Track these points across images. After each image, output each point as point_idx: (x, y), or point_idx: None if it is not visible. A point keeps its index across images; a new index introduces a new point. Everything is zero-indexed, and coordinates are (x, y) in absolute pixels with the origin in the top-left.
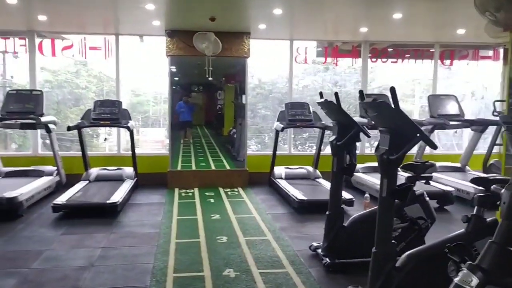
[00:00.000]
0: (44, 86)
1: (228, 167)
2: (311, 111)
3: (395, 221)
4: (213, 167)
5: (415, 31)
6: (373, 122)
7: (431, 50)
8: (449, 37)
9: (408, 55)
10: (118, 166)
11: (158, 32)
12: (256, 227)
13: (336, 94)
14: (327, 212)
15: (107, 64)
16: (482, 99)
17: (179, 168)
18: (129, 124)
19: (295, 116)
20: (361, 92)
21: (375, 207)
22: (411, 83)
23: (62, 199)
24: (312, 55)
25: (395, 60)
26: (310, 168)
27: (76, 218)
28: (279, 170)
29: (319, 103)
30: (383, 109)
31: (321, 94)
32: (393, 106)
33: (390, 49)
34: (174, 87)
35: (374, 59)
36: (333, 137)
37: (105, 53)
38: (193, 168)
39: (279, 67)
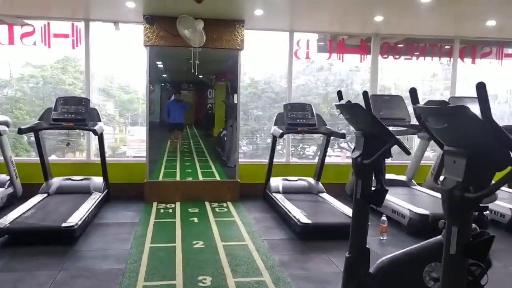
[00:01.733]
0: (29, 82)
1: (217, 177)
2: (314, 113)
3: None
4: (200, 177)
5: (433, 22)
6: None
7: (446, 46)
8: (471, 31)
9: (420, 52)
10: (86, 176)
11: (136, 18)
12: (249, 261)
13: (365, 93)
14: (347, 254)
15: (76, 54)
16: (505, 103)
17: (160, 178)
18: (96, 127)
19: (296, 119)
20: (339, 93)
21: (410, 248)
22: (427, 83)
23: (5, 220)
24: (313, 50)
25: (409, 56)
26: (312, 180)
27: (22, 246)
28: (276, 182)
29: (338, 106)
30: (356, 112)
31: (339, 94)
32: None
33: (400, 45)
34: (163, 84)
35: (385, 55)
36: (356, 152)
37: (74, 42)
38: (177, 178)
39: (274, 63)
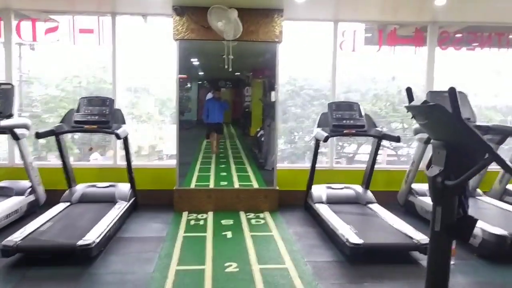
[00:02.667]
0: (72, 81)
1: (253, 183)
2: (363, 113)
3: None
4: (236, 184)
5: (504, 6)
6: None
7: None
8: None
9: (484, 42)
10: (113, 182)
11: (165, 9)
12: None
13: (452, 91)
14: None
15: (101, 51)
16: None
17: (192, 185)
18: (120, 130)
19: (342, 120)
20: (408, 90)
21: None
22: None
23: (17, 236)
24: (359, 42)
25: (471, 47)
26: (359, 188)
27: (33, 267)
28: (319, 191)
29: (410, 108)
30: (438, 116)
31: (409, 92)
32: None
33: (459, 34)
34: (200, 82)
35: (443, 46)
36: (435, 169)
37: (99, 37)
38: (211, 185)
39: (314, 58)
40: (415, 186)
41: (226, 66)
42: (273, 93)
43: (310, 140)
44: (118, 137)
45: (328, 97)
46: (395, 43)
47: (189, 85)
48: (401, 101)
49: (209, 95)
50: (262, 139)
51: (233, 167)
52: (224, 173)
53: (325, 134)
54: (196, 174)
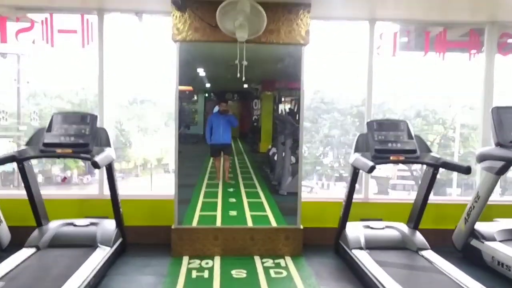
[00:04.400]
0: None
1: (268, 214)
2: (413, 135)
3: None
4: (249, 221)
5: None
6: None
7: None
8: None
9: None
10: (97, 217)
11: (162, 5)
12: None
13: None
14: None
15: (87, 54)
16: None
17: (194, 222)
18: (100, 157)
19: (387, 143)
20: None
21: None
22: None
23: None
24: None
25: None
26: (405, 228)
27: None
28: (355, 232)
29: None
30: None
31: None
32: None
33: None
34: (207, 95)
35: (504, 52)
36: None
37: (84, 39)
38: (218, 223)
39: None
40: (480, 226)
41: (238, 75)
42: (283, 105)
43: (333, 162)
44: (95, 165)
45: (341, 111)
46: (445, 48)
47: (195, 97)
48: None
49: (216, 109)
50: (275, 158)
51: (243, 191)
52: (233, 199)
53: (370, 164)
54: (199, 206)
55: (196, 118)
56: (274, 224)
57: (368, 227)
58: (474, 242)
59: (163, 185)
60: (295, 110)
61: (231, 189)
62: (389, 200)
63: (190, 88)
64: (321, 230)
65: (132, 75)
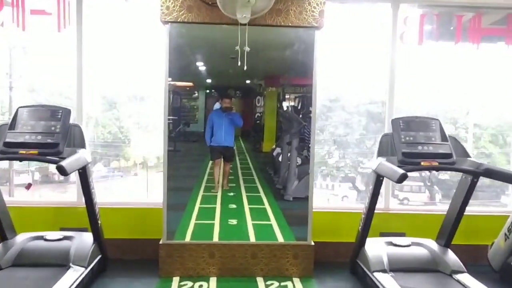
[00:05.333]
0: None
1: (272, 222)
2: (447, 135)
3: None
4: (251, 233)
5: None
6: None
7: None
8: None
9: None
10: (73, 229)
11: None
12: None
13: None
14: None
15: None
16: None
17: (187, 237)
18: (68, 160)
19: (416, 146)
20: None
21: None
22: None
23: None
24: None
25: None
26: (434, 245)
27: None
28: (376, 250)
29: None
30: None
31: None
32: None
33: None
34: (208, 91)
35: None
36: None
37: (59, 21)
38: (215, 237)
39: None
40: None
41: (239, 63)
42: (285, 101)
43: (339, 162)
44: (61, 171)
45: (346, 107)
46: (479, 35)
47: (196, 93)
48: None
49: (216, 105)
50: (279, 158)
51: (244, 196)
52: (233, 205)
53: (400, 171)
54: (195, 213)
55: (196, 115)
56: (279, 235)
57: (391, 243)
58: None
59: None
60: (303, 106)
61: (231, 193)
62: (412, 211)
63: (190, 84)
64: (334, 245)
65: (119, 65)
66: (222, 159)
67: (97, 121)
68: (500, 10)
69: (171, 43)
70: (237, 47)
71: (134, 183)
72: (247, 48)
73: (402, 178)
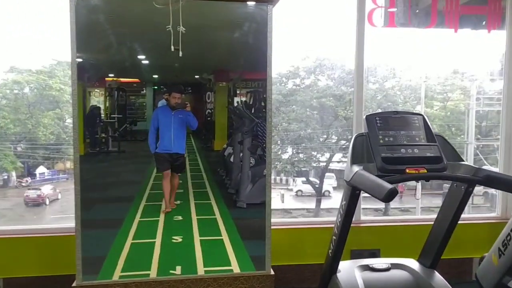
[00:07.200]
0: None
1: (227, 248)
2: (434, 134)
3: None
4: (198, 261)
5: None
6: None
7: None
8: None
9: None
10: None
11: None
12: None
13: None
14: None
15: None
16: None
17: (115, 275)
18: None
19: (398, 148)
20: None
21: None
22: None
23: None
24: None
25: None
26: (417, 267)
27: None
28: (349, 278)
29: None
30: None
31: None
32: None
33: None
34: (156, 87)
35: None
36: None
37: None
38: (153, 265)
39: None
40: None
41: (173, 48)
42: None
43: (293, 157)
44: None
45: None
46: (457, 16)
47: (144, 90)
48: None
49: (162, 102)
50: (231, 159)
51: (192, 204)
52: (179, 217)
53: (388, 186)
54: (131, 235)
55: (145, 113)
56: (231, 254)
57: (367, 268)
58: None
59: None
60: (255, 101)
61: (178, 201)
62: (386, 222)
63: (136, 80)
64: (297, 269)
65: None
66: (171, 171)
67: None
68: None
69: (79, 18)
70: (169, 27)
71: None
72: (182, 28)
73: (390, 196)
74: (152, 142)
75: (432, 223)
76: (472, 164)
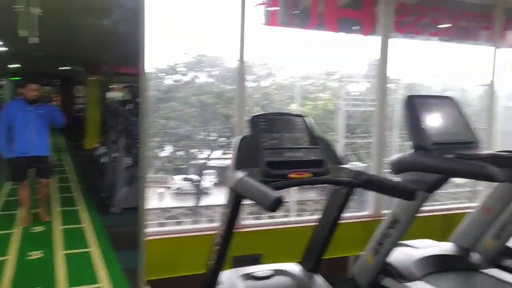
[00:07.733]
0: None
1: (96, 263)
2: (316, 136)
3: None
4: (60, 271)
5: None
6: None
7: None
8: None
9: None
10: None
11: None
12: None
13: None
14: None
15: None
16: None
17: None
18: None
19: (283, 152)
20: None
21: None
22: None
23: None
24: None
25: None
26: (299, 271)
27: None
28: (230, 282)
29: None
30: None
31: None
32: None
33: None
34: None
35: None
36: None
37: None
38: None
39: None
40: (394, 257)
41: (26, 33)
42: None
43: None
44: None
45: (181, 100)
46: (336, 18)
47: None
48: None
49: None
50: (104, 160)
51: (56, 210)
52: (41, 227)
53: (273, 195)
54: None
55: None
56: (100, 269)
57: (249, 276)
58: (387, 282)
59: None
60: (132, 97)
61: (37, 209)
62: (268, 226)
63: None
64: (175, 281)
65: None
66: (35, 176)
67: None
68: None
69: None
70: (20, 7)
71: None
72: (37, 10)
73: (275, 205)
74: (3, 145)
75: (313, 224)
76: (354, 168)
